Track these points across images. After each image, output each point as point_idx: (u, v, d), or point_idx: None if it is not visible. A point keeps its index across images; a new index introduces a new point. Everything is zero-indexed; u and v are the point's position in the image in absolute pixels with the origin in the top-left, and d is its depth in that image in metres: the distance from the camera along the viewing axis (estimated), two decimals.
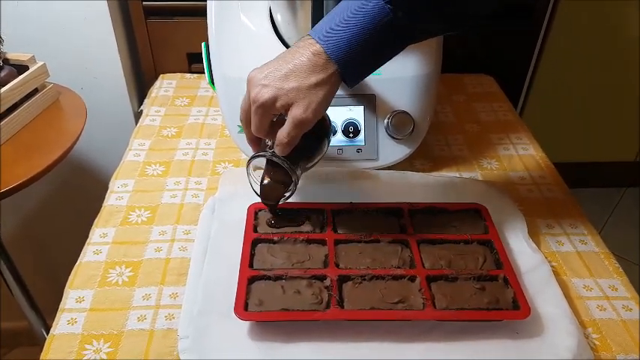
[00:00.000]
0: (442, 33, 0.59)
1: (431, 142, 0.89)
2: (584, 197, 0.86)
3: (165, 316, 0.59)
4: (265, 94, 0.57)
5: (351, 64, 0.57)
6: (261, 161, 0.65)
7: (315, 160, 0.66)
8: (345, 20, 0.55)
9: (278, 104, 0.57)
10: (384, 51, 0.59)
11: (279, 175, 0.64)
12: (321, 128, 0.64)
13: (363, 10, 0.55)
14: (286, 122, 0.57)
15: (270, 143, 0.62)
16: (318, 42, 0.56)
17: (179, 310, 0.59)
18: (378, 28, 0.55)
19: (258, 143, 0.64)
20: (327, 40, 0.56)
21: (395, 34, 0.56)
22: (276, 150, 0.59)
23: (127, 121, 1.14)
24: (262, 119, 0.58)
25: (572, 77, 1.60)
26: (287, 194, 0.65)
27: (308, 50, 0.56)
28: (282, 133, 0.58)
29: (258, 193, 0.67)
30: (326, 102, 0.57)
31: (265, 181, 0.66)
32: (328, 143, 0.67)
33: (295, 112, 0.56)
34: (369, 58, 0.58)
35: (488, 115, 0.98)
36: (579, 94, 1.65)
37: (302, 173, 0.64)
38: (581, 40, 1.50)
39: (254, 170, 0.66)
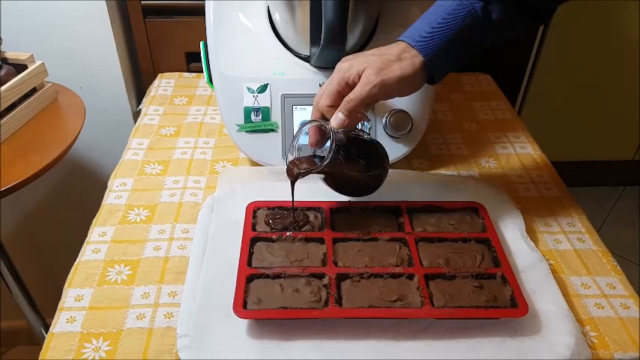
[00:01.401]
0: (522, 31, 0.64)
1: (429, 140, 0.89)
2: (583, 196, 0.86)
3: (164, 315, 0.60)
4: (345, 62, 0.61)
5: (436, 56, 0.60)
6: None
7: (355, 173, 0.65)
8: (437, 25, 0.60)
9: (354, 69, 0.59)
10: (471, 44, 0.62)
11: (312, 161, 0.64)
12: (376, 154, 0.65)
13: (453, 14, 0.60)
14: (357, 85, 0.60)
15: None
16: (404, 41, 0.61)
17: (178, 309, 0.59)
18: (466, 28, 0.60)
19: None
20: (417, 42, 0.60)
21: (481, 32, 0.61)
22: (335, 116, 0.60)
23: (125, 120, 1.14)
24: (332, 83, 0.61)
25: (570, 76, 1.60)
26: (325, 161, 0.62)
27: (398, 47, 0.61)
28: (349, 94, 0.59)
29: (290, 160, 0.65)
30: (399, 79, 0.59)
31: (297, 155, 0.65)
32: (373, 171, 0.66)
33: (367, 72, 0.59)
34: (455, 52, 0.61)
35: (486, 113, 0.98)
36: (577, 93, 1.65)
37: (338, 168, 0.63)
38: (578, 39, 1.51)
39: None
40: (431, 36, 0.60)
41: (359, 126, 0.66)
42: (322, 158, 0.62)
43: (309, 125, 0.63)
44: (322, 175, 0.66)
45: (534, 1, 0.62)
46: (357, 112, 0.60)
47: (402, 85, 0.60)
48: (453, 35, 0.60)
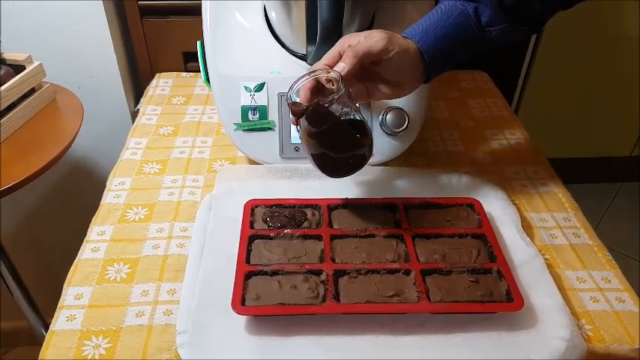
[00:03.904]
0: (515, 38, 0.67)
1: (425, 137, 0.90)
2: (581, 193, 0.87)
3: (164, 312, 0.60)
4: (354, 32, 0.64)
5: (431, 48, 0.63)
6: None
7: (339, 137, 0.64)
8: (432, 23, 0.64)
9: (361, 34, 0.62)
10: (465, 44, 0.65)
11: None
12: (365, 133, 0.65)
13: (447, 13, 0.64)
14: None
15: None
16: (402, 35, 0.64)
17: (177, 306, 0.60)
18: (458, 27, 0.63)
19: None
20: (414, 36, 0.63)
21: (475, 35, 0.64)
22: (337, 65, 0.61)
23: (123, 120, 1.14)
24: (334, 47, 0.63)
25: (566, 73, 1.60)
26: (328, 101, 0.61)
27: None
28: (354, 44, 0.61)
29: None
30: (402, 49, 0.61)
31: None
32: (363, 148, 0.65)
33: (374, 31, 0.61)
34: (450, 50, 0.64)
35: (483, 110, 0.99)
36: (574, 90, 1.65)
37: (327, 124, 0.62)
38: (575, 35, 1.51)
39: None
40: (426, 32, 0.63)
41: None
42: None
43: (306, 78, 0.61)
44: (312, 153, 0.65)
45: (522, 9, 0.63)
46: (358, 64, 0.60)
47: (402, 60, 0.62)
48: (447, 33, 0.63)
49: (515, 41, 0.68)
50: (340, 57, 0.61)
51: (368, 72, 0.63)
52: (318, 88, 0.61)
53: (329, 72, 0.60)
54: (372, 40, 0.60)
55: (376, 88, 0.66)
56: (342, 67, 0.60)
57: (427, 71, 0.64)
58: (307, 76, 0.61)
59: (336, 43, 0.63)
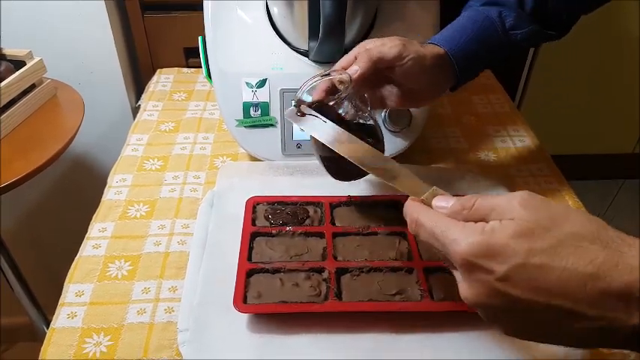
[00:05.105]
0: (541, 41, 0.68)
1: (428, 134, 0.89)
2: (583, 189, 0.86)
3: (165, 309, 0.60)
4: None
5: (457, 50, 0.63)
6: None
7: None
8: (457, 29, 0.65)
9: (378, 40, 0.62)
10: (490, 48, 0.66)
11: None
12: (377, 137, 0.64)
13: (472, 19, 0.65)
14: None
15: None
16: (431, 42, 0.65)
17: (178, 304, 0.60)
18: (484, 31, 0.64)
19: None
20: (438, 40, 0.64)
21: (501, 39, 0.65)
22: (350, 68, 0.61)
23: (124, 116, 1.14)
24: (351, 52, 0.62)
25: (569, 69, 1.60)
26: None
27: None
28: (369, 47, 0.62)
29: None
30: (419, 54, 0.61)
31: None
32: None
33: (389, 38, 0.61)
34: (476, 53, 0.64)
35: (485, 107, 0.98)
36: (577, 86, 1.65)
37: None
38: (578, 32, 1.50)
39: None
40: (453, 37, 0.63)
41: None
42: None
43: (317, 79, 0.60)
44: (321, 155, 0.64)
45: (542, 13, 0.64)
46: (371, 68, 0.60)
47: (417, 67, 0.61)
48: (473, 38, 0.63)
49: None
50: (356, 60, 0.61)
51: (384, 79, 0.63)
52: (331, 90, 0.61)
53: (341, 74, 0.60)
54: (386, 45, 0.60)
55: (392, 95, 0.65)
56: (355, 69, 0.60)
57: (455, 77, 0.64)
58: (318, 77, 0.61)
59: (355, 47, 0.63)
